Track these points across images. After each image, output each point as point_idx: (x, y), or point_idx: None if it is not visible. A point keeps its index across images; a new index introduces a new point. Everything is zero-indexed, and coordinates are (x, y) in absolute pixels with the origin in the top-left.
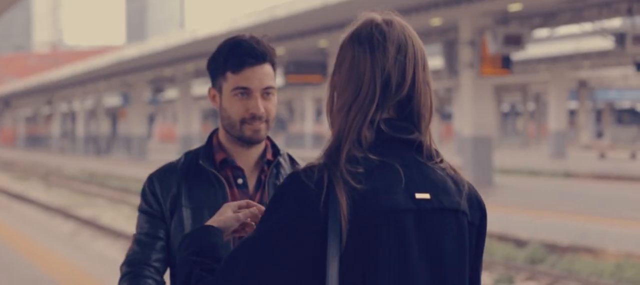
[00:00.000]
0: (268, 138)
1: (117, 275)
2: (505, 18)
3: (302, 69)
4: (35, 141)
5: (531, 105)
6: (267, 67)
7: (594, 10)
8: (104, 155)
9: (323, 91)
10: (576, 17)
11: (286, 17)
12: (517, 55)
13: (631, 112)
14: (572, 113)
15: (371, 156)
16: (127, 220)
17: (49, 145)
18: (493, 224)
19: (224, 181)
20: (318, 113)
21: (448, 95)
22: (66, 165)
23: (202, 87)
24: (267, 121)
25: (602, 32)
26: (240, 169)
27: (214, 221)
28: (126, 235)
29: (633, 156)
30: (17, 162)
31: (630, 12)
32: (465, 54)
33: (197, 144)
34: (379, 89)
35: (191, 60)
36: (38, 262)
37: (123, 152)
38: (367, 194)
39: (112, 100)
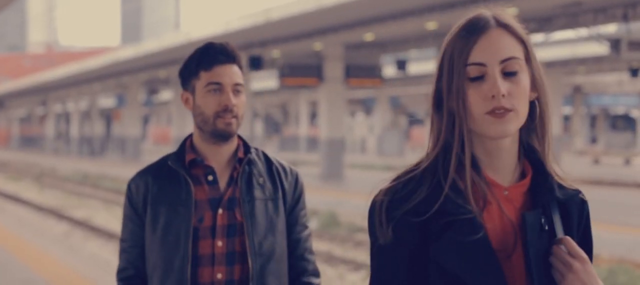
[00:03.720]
0: (240, 137)
1: (110, 275)
2: None
3: (297, 71)
4: (29, 142)
5: None
6: (235, 67)
7: (590, 16)
8: (98, 156)
9: (318, 94)
10: (571, 22)
11: (281, 20)
12: None
13: (625, 118)
14: (567, 118)
15: None
16: (120, 221)
17: (42, 146)
18: None
19: (189, 179)
20: (312, 116)
21: None
22: (60, 166)
23: None
24: (236, 116)
25: (598, 38)
26: (211, 167)
27: None
28: (119, 236)
29: (627, 162)
30: (11, 162)
31: (625, 18)
32: None
33: None
34: None
35: None
36: (31, 262)
37: (117, 153)
38: None
39: (107, 101)
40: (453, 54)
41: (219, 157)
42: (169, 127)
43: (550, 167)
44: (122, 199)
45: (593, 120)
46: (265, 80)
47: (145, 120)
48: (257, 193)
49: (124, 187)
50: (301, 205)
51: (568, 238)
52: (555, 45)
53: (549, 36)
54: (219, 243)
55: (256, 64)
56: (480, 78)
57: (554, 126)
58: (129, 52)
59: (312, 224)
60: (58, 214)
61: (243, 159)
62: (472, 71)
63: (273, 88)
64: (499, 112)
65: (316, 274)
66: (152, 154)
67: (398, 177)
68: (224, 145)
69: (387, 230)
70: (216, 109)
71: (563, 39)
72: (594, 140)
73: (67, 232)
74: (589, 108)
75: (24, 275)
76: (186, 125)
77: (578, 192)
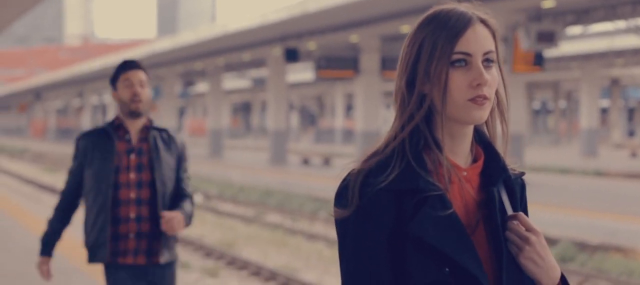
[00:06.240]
0: (149, 118)
1: None
2: (538, 15)
3: (333, 63)
4: (65, 133)
5: (563, 103)
6: (141, 71)
7: (628, 8)
8: None
9: (354, 86)
10: (610, 14)
11: (317, 12)
12: (549, 52)
13: None
14: (604, 111)
15: None
16: None
17: None
18: None
19: (113, 135)
20: (348, 108)
21: None
22: None
23: (232, 81)
24: (141, 101)
25: (636, 30)
26: (128, 130)
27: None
28: None
29: None
30: (48, 154)
31: None
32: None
33: (226, 137)
34: None
35: (222, 54)
36: (67, 252)
37: None
38: None
39: None
40: (436, 41)
41: (134, 126)
42: (205, 118)
43: (500, 149)
44: None
45: (631, 113)
46: (301, 73)
47: (181, 112)
48: (160, 145)
49: None
50: (184, 158)
51: (522, 213)
52: (593, 38)
53: (587, 28)
54: (132, 175)
55: (292, 56)
56: (462, 66)
57: (592, 119)
58: (165, 44)
59: None
60: None
61: (150, 128)
62: (457, 59)
63: (309, 80)
64: (479, 100)
65: (191, 196)
66: (188, 146)
67: (368, 158)
68: (137, 120)
69: (362, 208)
70: (129, 96)
71: (601, 31)
72: (631, 134)
73: None
74: (626, 101)
75: (60, 265)
76: (222, 117)
77: (522, 173)
